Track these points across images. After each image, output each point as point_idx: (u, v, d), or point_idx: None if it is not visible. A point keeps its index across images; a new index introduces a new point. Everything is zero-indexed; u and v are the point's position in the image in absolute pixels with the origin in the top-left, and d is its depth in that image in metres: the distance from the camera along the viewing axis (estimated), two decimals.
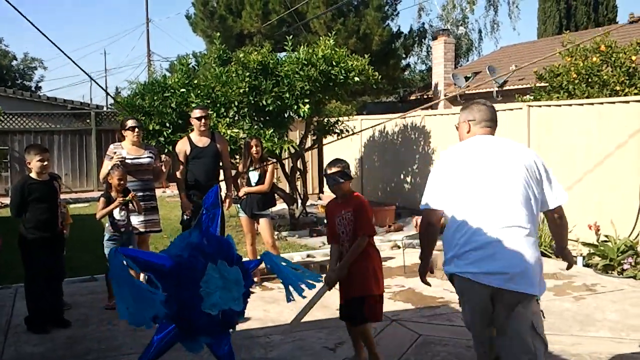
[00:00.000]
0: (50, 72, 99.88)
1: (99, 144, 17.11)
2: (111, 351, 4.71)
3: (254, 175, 6.75)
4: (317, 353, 4.44)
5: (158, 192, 6.62)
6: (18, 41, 70.13)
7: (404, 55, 20.98)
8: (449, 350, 4.55)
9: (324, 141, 11.07)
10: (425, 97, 20.19)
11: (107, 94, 13.04)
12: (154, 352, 2.94)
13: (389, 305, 5.80)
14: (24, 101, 18.83)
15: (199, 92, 9.19)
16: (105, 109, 22.24)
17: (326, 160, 14.18)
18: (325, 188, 13.89)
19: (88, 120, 17.42)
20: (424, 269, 3.37)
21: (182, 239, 3.07)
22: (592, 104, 7.62)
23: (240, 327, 5.14)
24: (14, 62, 40.63)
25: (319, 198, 14.06)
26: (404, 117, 11.62)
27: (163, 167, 6.34)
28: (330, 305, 5.77)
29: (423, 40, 24.37)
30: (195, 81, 9.48)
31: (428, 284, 3.45)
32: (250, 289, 3.25)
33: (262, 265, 4.42)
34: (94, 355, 4.62)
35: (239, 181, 6.89)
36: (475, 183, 3.08)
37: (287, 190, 10.44)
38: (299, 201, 10.79)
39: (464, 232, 3.04)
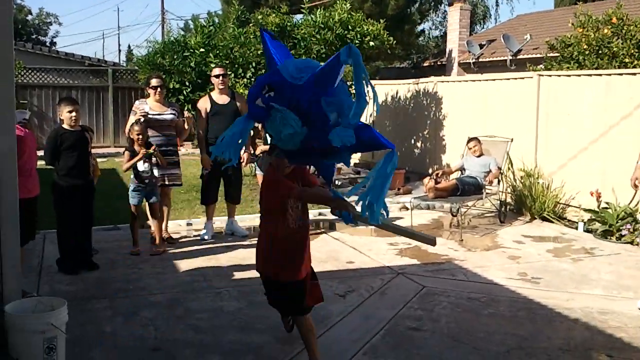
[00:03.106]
0: (64, 28, 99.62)
1: (115, 100, 17.37)
2: (138, 291, 5.10)
3: None
4: (328, 298, 4.75)
5: None
6: None
7: (418, 21, 20.98)
8: (451, 300, 4.90)
9: None
10: (439, 63, 20.26)
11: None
12: None
13: (397, 260, 6.16)
14: (42, 56, 19.05)
15: (217, 52, 9.41)
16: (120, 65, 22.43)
17: None
18: None
19: (105, 77, 17.66)
20: None
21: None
22: (600, 75, 7.79)
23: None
24: (29, 17, 40.69)
25: None
26: (417, 83, 11.81)
27: (185, 124, 6.65)
28: (340, 258, 6.16)
29: (439, 5, 24.31)
30: (214, 42, 9.70)
31: None
32: None
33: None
34: (123, 295, 5.01)
35: (256, 140, 7.19)
36: None
37: None
38: None
39: None
